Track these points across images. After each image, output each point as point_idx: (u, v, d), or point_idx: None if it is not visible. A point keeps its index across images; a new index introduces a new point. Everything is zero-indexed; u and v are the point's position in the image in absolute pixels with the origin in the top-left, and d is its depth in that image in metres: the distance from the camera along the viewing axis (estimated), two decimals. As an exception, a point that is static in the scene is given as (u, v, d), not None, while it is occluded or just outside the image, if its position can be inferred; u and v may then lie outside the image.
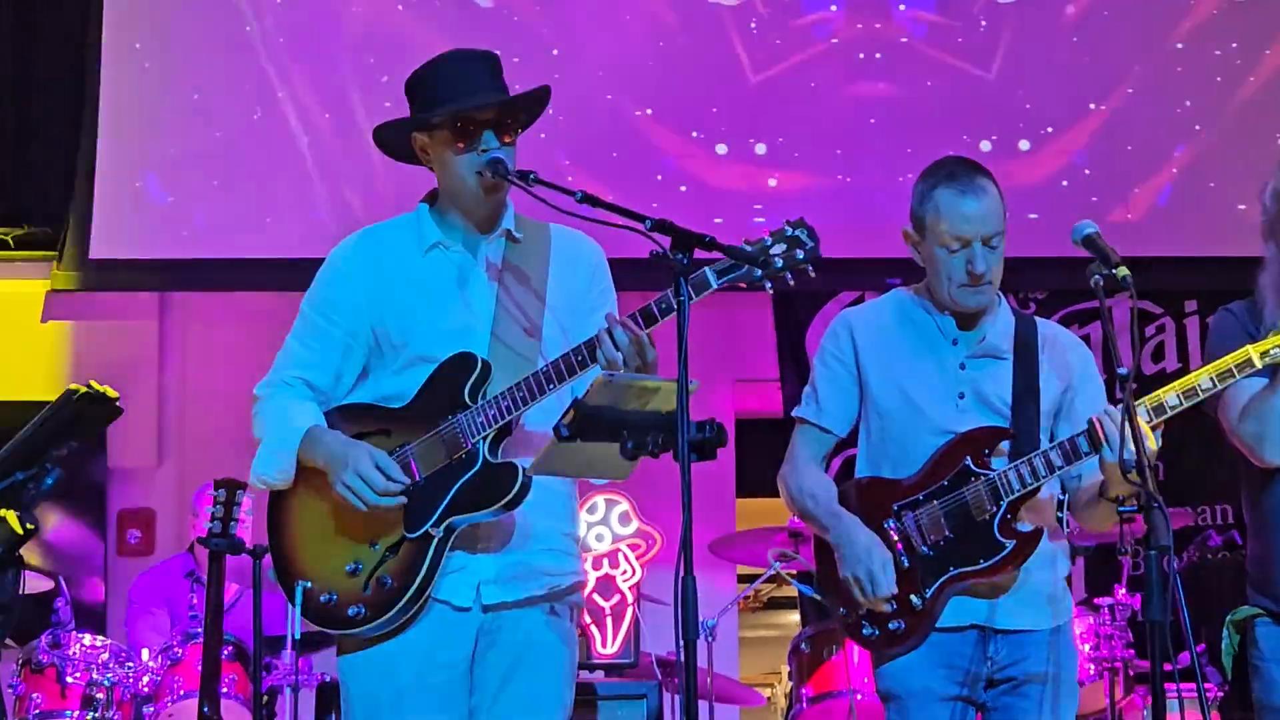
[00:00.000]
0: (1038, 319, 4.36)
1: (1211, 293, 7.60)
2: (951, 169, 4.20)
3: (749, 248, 3.60)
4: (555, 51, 8.37)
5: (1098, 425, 3.93)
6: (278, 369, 3.99)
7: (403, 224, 4.02)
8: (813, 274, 3.62)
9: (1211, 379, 4.00)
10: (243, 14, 8.40)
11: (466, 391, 3.77)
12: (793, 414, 4.39)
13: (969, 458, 4.12)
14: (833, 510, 4.24)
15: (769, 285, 3.61)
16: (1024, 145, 8.47)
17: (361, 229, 4.08)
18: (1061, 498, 4.30)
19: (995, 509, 4.09)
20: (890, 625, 4.15)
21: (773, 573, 6.43)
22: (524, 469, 3.70)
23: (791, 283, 3.61)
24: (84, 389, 4.10)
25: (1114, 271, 3.80)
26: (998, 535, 4.08)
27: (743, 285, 3.59)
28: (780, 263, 3.59)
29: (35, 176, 8.48)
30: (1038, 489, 4.10)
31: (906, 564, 4.13)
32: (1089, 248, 3.88)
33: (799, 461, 4.34)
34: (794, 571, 6.57)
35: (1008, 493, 4.08)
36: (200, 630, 6.26)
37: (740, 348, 8.85)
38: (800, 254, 3.60)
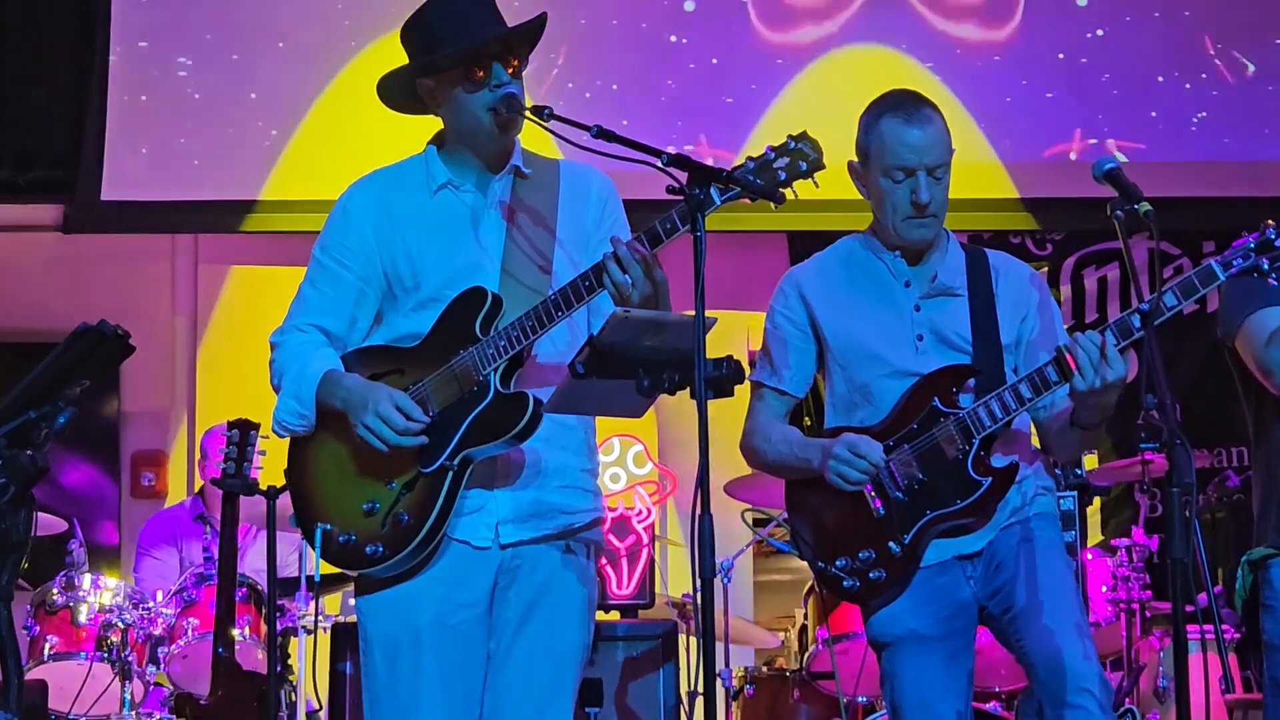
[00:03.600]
0: (987, 250, 4.30)
1: (1230, 234, 7.53)
2: (897, 99, 4.16)
3: (751, 163, 3.59)
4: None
5: (1065, 354, 3.87)
6: (292, 316, 3.96)
7: (411, 165, 3.98)
8: (816, 185, 3.61)
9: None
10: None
11: (478, 325, 3.74)
12: (749, 379, 4.30)
13: (936, 398, 4.07)
14: (806, 442, 4.19)
15: (775, 201, 3.58)
16: (1048, 95, 8.41)
17: (370, 172, 4.04)
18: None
19: (968, 447, 4.03)
20: (870, 575, 4.10)
21: (757, 540, 6.47)
22: (535, 399, 3.68)
23: (795, 195, 3.58)
24: (94, 327, 4.07)
25: (1136, 207, 3.75)
26: (972, 473, 4.03)
27: (748, 199, 3.56)
28: (784, 175, 3.57)
29: (46, 117, 8.43)
30: (1009, 423, 4.04)
31: (882, 511, 4.08)
32: (1111, 182, 3.82)
33: (761, 421, 4.28)
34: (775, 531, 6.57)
35: (979, 430, 4.02)
36: (214, 572, 6.26)
37: (756, 287, 8.81)
38: (803, 165, 3.60)
